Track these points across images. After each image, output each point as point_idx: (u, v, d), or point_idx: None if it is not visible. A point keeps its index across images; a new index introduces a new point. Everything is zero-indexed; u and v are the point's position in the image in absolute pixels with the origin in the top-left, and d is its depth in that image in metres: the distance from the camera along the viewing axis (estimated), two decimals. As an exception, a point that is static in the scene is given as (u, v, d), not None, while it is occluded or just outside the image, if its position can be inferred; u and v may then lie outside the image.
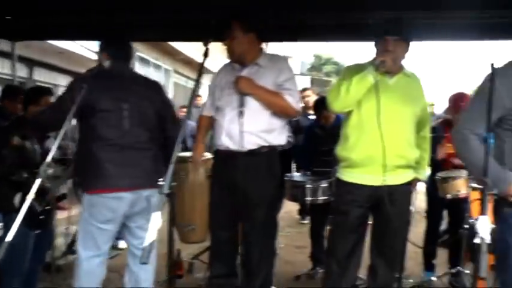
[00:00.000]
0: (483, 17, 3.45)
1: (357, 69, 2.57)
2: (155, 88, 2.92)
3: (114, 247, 4.44)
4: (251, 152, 2.76)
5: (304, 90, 5.84)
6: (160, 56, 13.70)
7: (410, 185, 2.71)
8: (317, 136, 4.09)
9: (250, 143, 2.76)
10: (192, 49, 13.62)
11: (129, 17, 3.79)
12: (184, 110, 9.03)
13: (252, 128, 2.75)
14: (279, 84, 2.79)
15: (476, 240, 1.57)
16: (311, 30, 4.07)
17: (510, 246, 2.11)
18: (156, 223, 1.64)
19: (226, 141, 2.81)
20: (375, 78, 2.41)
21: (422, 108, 2.68)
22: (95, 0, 3.43)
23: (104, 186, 2.61)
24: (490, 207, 2.38)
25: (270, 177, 2.84)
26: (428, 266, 4.22)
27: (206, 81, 18.39)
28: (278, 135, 2.84)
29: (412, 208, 3.05)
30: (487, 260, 1.60)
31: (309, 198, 3.00)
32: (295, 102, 2.80)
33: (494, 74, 2.01)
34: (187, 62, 14.78)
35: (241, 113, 2.75)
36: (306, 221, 6.13)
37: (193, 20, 3.84)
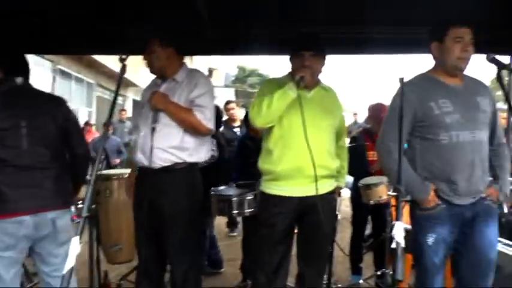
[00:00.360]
0: (397, 32, 3.68)
1: (276, 84, 2.62)
2: (57, 103, 2.75)
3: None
4: (164, 169, 2.70)
5: (228, 103, 5.88)
6: (82, 69, 13.22)
7: (334, 194, 2.80)
8: (248, 148, 4.10)
9: (161, 160, 2.70)
10: (116, 62, 13.25)
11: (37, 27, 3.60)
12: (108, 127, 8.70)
13: (163, 145, 2.70)
14: (191, 100, 2.75)
15: (393, 245, 1.65)
16: (236, 44, 4.12)
17: (422, 245, 2.36)
18: (74, 248, 1.56)
19: (141, 158, 2.76)
20: (296, 93, 2.46)
21: (339, 119, 2.78)
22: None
23: (2, 211, 2.43)
24: (407, 209, 2.58)
25: (187, 193, 2.77)
26: (356, 270, 4.36)
27: (131, 94, 18.01)
28: (194, 152, 2.78)
29: (338, 215, 3.17)
30: (404, 261, 1.69)
31: (235, 211, 2.99)
32: (205, 119, 2.72)
33: (405, 86, 2.22)
34: (111, 75, 14.37)
35: (153, 129, 2.70)
36: (234, 233, 6.17)
37: (112, 33, 3.76)
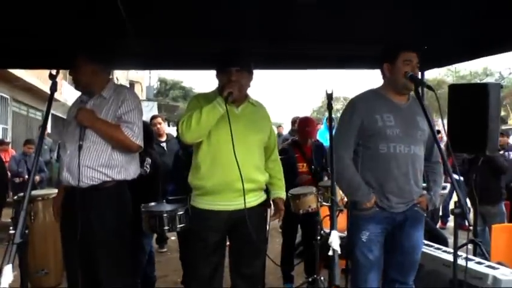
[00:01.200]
0: (317, 48, 3.89)
1: (205, 99, 2.65)
2: None
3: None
4: (93, 188, 2.65)
5: (154, 117, 5.79)
6: (-6, 83, 12.37)
7: (264, 206, 2.84)
8: (181, 160, 4.05)
9: (89, 178, 2.64)
10: (31, 75, 12.57)
11: None
12: (30, 146, 8.22)
13: (90, 163, 2.64)
14: (118, 116, 2.71)
15: (330, 253, 1.75)
16: (159, 59, 4.13)
17: (356, 242, 2.61)
18: (7, 278, 1.48)
19: (67, 176, 2.68)
20: (224, 109, 2.50)
21: (269, 134, 2.83)
22: None
23: None
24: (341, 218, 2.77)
25: (116, 212, 2.71)
26: (287, 278, 4.48)
27: (53, 111, 17.13)
28: (123, 169, 2.75)
29: (267, 225, 3.24)
30: (339, 268, 1.79)
31: (166, 227, 2.96)
32: (134, 136, 2.69)
33: (356, 99, 2.67)
34: (27, 88, 13.58)
35: (80, 147, 2.62)
36: (164, 249, 6.07)
37: (38, 48, 3.61)
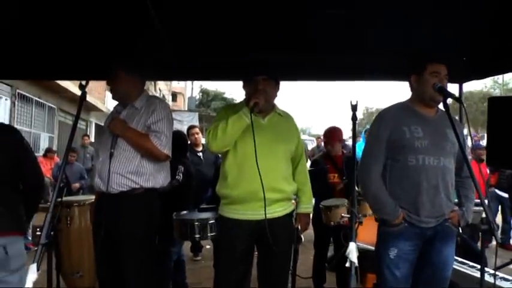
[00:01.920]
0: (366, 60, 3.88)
1: (232, 110, 2.68)
2: (7, 133, 2.74)
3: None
4: (121, 194, 2.72)
5: (191, 128, 5.91)
6: (42, 93, 12.95)
7: (291, 217, 2.83)
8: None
9: (118, 185, 2.72)
10: (77, 86, 13.01)
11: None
12: (73, 154, 8.52)
13: (120, 170, 2.72)
14: (148, 126, 2.78)
15: (347, 264, 1.72)
16: (198, 70, 4.20)
17: (384, 259, 2.54)
18: (31, 276, 1.55)
19: (99, 182, 2.77)
20: (249, 119, 2.53)
21: (296, 144, 2.83)
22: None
23: None
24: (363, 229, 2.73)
25: (144, 219, 2.77)
26: (319, 291, 4.41)
27: (94, 119, 17.69)
28: (151, 177, 2.80)
29: (302, 237, 3.21)
30: (356, 280, 1.76)
31: (197, 235, 3.00)
32: (161, 145, 2.75)
33: (384, 113, 2.64)
34: (73, 99, 14.14)
35: (111, 154, 2.72)
36: (198, 258, 6.14)
37: (75, 59, 3.77)
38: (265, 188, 2.52)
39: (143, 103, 2.87)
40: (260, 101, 2.54)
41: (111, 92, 2.96)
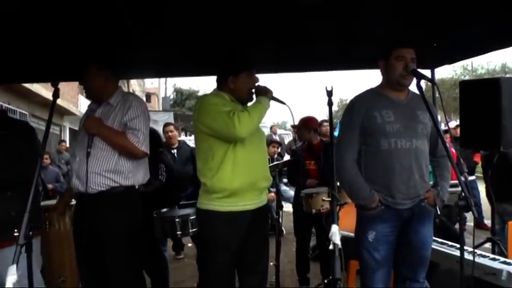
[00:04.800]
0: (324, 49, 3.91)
1: (223, 100, 2.62)
2: None
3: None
4: (101, 194, 2.69)
5: (166, 125, 5.89)
6: (12, 99, 12.62)
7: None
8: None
9: (97, 184, 2.68)
10: (48, 90, 12.76)
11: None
12: (46, 157, 8.36)
13: (98, 169, 2.68)
14: (124, 123, 2.74)
15: (330, 247, 1.73)
16: (170, 66, 4.18)
17: (363, 242, 2.59)
18: (11, 277, 1.51)
19: (77, 183, 2.72)
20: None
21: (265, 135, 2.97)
22: None
23: None
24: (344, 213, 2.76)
25: (125, 217, 2.71)
26: (303, 281, 4.46)
27: (67, 123, 17.31)
28: (130, 175, 2.76)
29: (283, 230, 3.23)
30: (341, 262, 1.77)
31: (179, 232, 2.97)
32: (139, 142, 2.70)
33: (355, 100, 2.68)
34: (46, 103, 13.83)
35: (88, 154, 2.67)
36: (181, 256, 6.10)
37: (44, 60, 3.69)
38: (261, 177, 2.66)
39: (118, 99, 2.81)
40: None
41: (84, 90, 2.90)
